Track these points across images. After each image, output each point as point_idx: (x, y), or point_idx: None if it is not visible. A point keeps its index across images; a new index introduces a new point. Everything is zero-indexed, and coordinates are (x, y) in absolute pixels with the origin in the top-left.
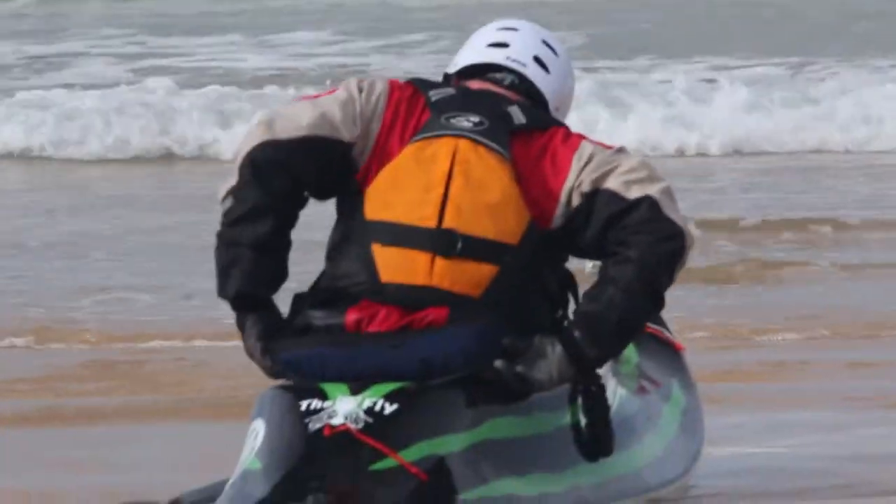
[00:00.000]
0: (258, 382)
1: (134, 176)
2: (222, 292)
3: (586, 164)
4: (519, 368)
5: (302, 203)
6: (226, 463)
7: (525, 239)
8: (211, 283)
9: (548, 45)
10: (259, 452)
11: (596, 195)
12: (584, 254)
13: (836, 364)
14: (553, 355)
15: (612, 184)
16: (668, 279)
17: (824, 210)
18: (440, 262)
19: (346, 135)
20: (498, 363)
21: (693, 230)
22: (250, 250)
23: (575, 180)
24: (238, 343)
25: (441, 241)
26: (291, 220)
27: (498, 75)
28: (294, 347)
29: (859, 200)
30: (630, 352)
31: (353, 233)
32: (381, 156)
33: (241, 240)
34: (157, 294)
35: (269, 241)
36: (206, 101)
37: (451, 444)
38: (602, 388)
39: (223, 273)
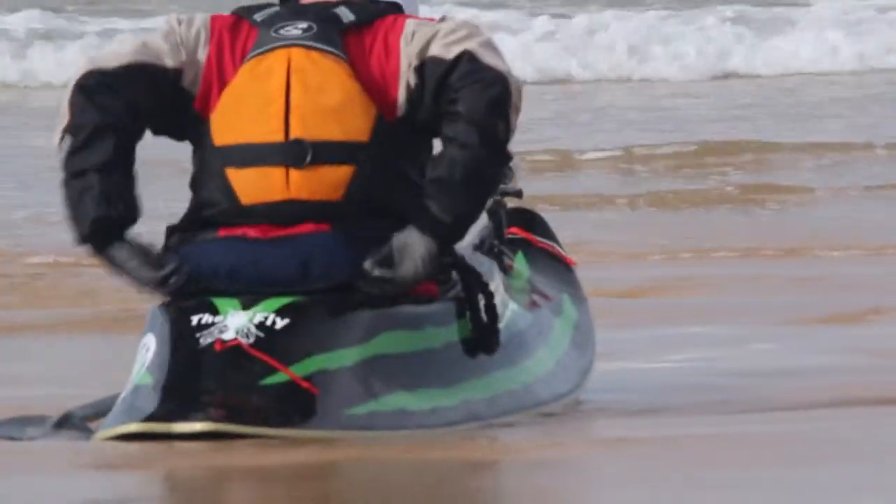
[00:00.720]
0: (150, 298)
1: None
2: (79, 230)
3: (411, 41)
4: (377, 272)
5: (138, 130)
6: (117, 377)
7: (375, 133)
8: None
9: None
10: (150, 367)
11: (423, 67)
12: (434, 132)
13: (734, 278)
14: (413, 243)
15: (434, 50)
16: (504, 125)
17: None
18: (295, 173)
19: (170, 62)
20: (363, 269)
21: (517, 79)
22: (97, 173)
23: (406, 61)
24: None
25: (291, 153)
26: (132, 141)
27: None
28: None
29: None
30: (521, 266)
31: (206, 161)
32: (219, 83)
33: (85, 166)
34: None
35: (114, 161)
36: None
37: (341, 359)
38: (483, 282)
39: (74, 208)
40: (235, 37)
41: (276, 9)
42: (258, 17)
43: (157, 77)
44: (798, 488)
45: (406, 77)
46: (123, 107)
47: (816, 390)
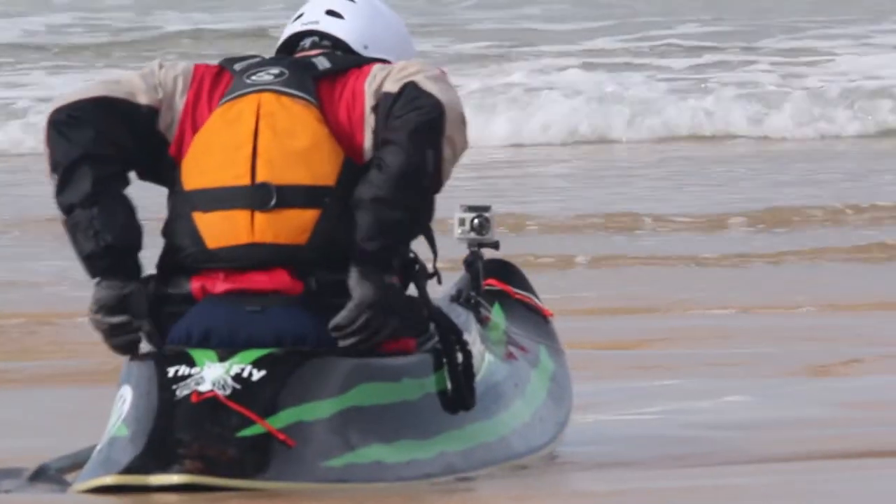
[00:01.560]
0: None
1: None
2: (84, 266)
3: (374, 82)
4: (338, 337)
5: (117, 159)
6: (93, 429)
7: (342, 177)
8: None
9: None
10: (126, 419)
11: (377, 106)
12: None
13: (704, 332)
14: (359, 294)
15: (386, 87)
16: (433, 154)
17: None
18: (259, 216)
19: (143, 99)
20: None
21: (461, 113)
22: (81, 208)
23: (368, 104)
24: None
25: (256, 197)
26: (113, 169)
27: (301, 42)
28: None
29: None
30: (499, 318)
31: (176, 206)
32: (193, 129)
33: (72, 201)
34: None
35: (95, 192)
36: None
37: (318, 411)
38: (459, 334)
39: (74, 246)
40: (215, 86)
41: (257, 59)
42: (238, 66)
43: (128, 112)
44: None
45: (369, 120)
46: (93, 136)
47: (791, 443)
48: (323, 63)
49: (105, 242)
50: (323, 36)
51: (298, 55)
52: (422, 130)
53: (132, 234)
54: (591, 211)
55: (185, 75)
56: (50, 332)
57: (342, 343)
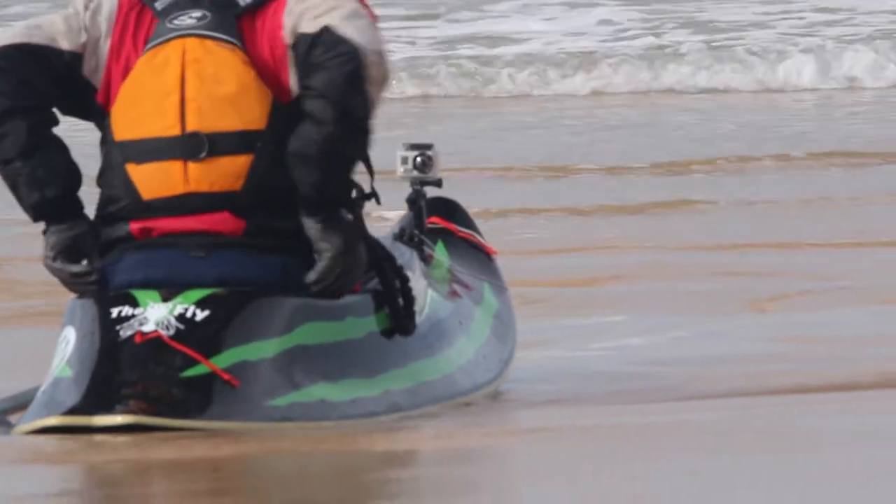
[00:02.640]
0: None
1: None
2: (29, 214)
3: (292, 16)
4: (310, 278)
5: (45, 105)
6: (36, 371)
7: (272, 119)
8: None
9: None
10: (70, 360)
11: (296, 46)
12: None
13: (647, 269)
14: (317, 235)
15: (302, 26)
16: (361, 99)
17: None
18: (193, 166)
19: (65, 44)
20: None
21: (379, 50)
22: (20, 160)
23: (290, 38)
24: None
25: (188, 146)
26: (45, 116)
27: None
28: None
29: None
30: (442, 256)
31: (109, 157)
32: (121, 73)
33: (9, 155)
34: None
35: (32, 143)
36: None
37: (262, 351)
38: (393, 260)
39: (15, 196)
40: (139, 25)
41: None
42: (159, 4)
43: (48, 58)
44: (713, 478)
45: (290, 57)
46: (17, 86)
47: (736, 378)
48: None
49: (51, 193)
50: None
51: None
52: (345, 81)
53: (74, 178)
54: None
55: (110, 16)
56: None
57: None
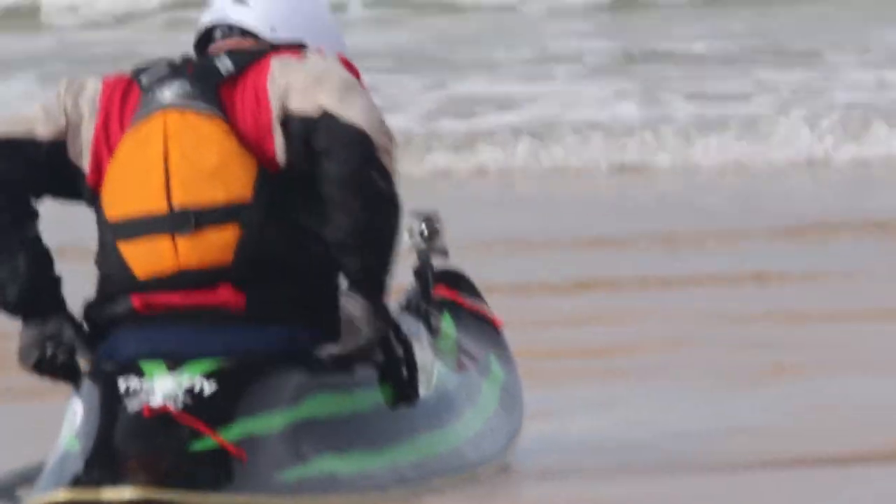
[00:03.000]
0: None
1: None
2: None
3: (276, 85)
4: (335, 352)
5: (23, 202)
6: (44, 444)
7: (258, 189)
8: None
9: None
10: (78, 432)
11: (288, 123)
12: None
13: (665, 341)
14: (357, 307)
15: (293, 103)
16: (381, 178)
17: None
18: (182, 241)
19: (44, 133)
20: (323, 355)
21: (381, 120)
22: None
23: (274, 111)
24: None
25: (175, 222)
26: (14, 212)
27: (214, 35)
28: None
29: None
30: (449, 327)
31: (103, 237)
32: (110, 152)
33: None
34: None
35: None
36: None
37: (270, 423)
38: (408, 344)
39: None
40: (125, 102)
41: (161, 67)
42: (145, 77)
43: (25, 150)
44: None
45: (278, 129)
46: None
47: (745, 450)
48: (226, 65)
49: (12, 298)
50: (231, 27)
51: (211, 49)
52: (361, 168)
53: (42, 278)
54: None
55: (94, 96)
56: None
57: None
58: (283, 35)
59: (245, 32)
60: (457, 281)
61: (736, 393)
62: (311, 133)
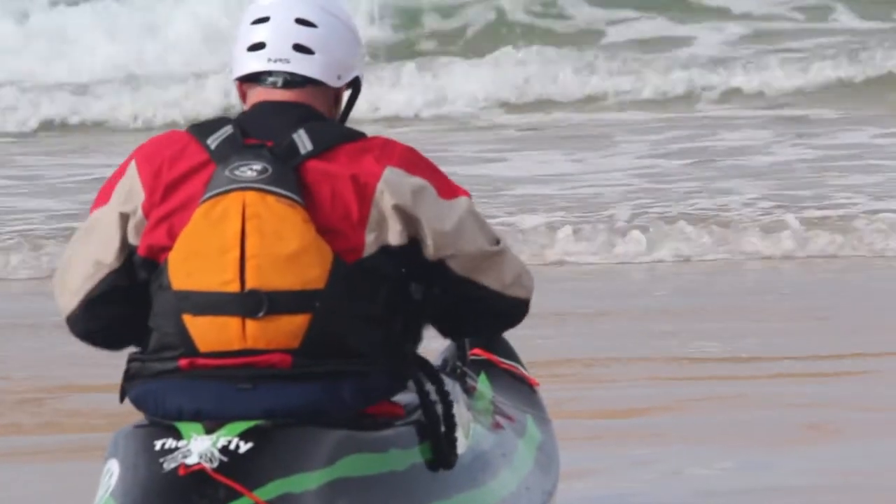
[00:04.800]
0: (114, 423)
1: None
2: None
3: (395, 198)
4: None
5: (131, 297)
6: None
7: (332, 278)
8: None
9: (303, 23)
10: (114, 492)
11: (441, 264)
12: (405, 276)
13: (699, 398)
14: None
15: (454, 265)
16: (526, 306)
17: None
18: (251, 324)
19: (112, 259)
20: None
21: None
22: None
23: (387, 217)
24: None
25: (247, 304)
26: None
27: (269, 79)
28: (139, 385)
29: None
30: (485, 387)
31: (164, 304)
32: (164, 222)
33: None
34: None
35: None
36: None
37: (306, 483)
38: (449, 403)
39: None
40: (193, 169)
41: (230, 131)
42: (212, 142)
43: (112, 281)
44: None
45: (384, 232)
46: (108, 335)
47: None
48: (305, 144)
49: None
50: (293, 75)
51: (265, 95)
52: (519, 318)
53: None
54: None
55: (136, 182)
56: (36, 408)
57: None
58: (346, 79)
59: (308, 80)
60: (493, 342)
61: (774, 451)
62: (481, 300)
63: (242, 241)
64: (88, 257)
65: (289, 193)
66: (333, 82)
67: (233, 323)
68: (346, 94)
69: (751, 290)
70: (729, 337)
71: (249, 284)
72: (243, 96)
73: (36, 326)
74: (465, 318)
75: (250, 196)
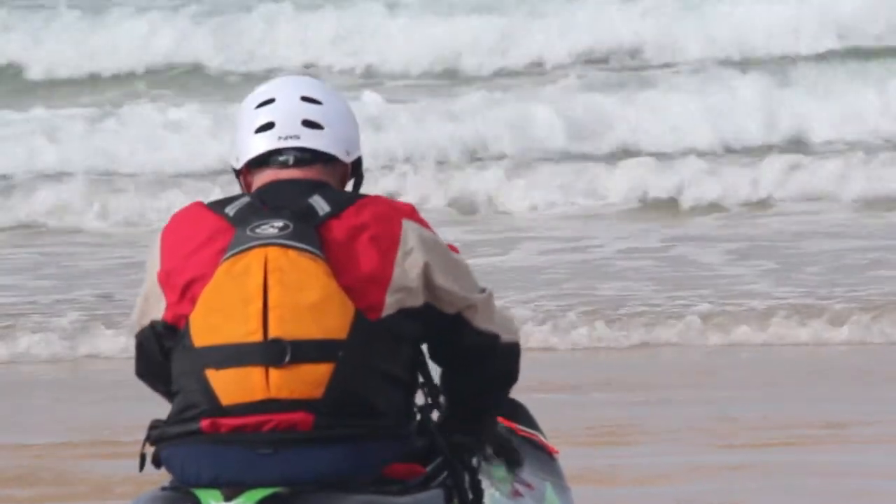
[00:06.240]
0: (131, 491)
1: None
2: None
3: (410, 256)
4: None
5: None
6: None
7: (354, 330)
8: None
9: (309, 100)
10: None
11: (458, 317)
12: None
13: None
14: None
15: (469, 315)
16: (516, 365)
17: None
18: (274, 372)
19: (155, 314)
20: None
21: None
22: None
23: (408, 275)
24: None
25: (270, 353)
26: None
27: (281, 158)
28: (165, 448)
29: None
30: None
31: (186, 364)
32: (187, 289)
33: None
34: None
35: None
36: None
37: None
38: (474, 472)
39: None
40: (207, 230)
41: (247, 200)
42: (230, 210)
43: (154, 346)
44: None
45: (405, 295)
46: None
47: None
48: (322, 207)
49: None
50: (303, 150)
51: (275, 174)
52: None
53: None
54: None
55: (156, 251)
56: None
57: None
58: (354, 155)
59: (317, 155)
60: (513, 410)
61: None
62: (478, 344)
63: (265, 293)
64: (134, 313)
65: (310, 248)
66: (343, 157)
67: (256, 373)
68: (350, 182)
69: None
70: None
71: (272, 333)
72: (248, 186)
73: None
74: (485, 369)
75: (272, 251)
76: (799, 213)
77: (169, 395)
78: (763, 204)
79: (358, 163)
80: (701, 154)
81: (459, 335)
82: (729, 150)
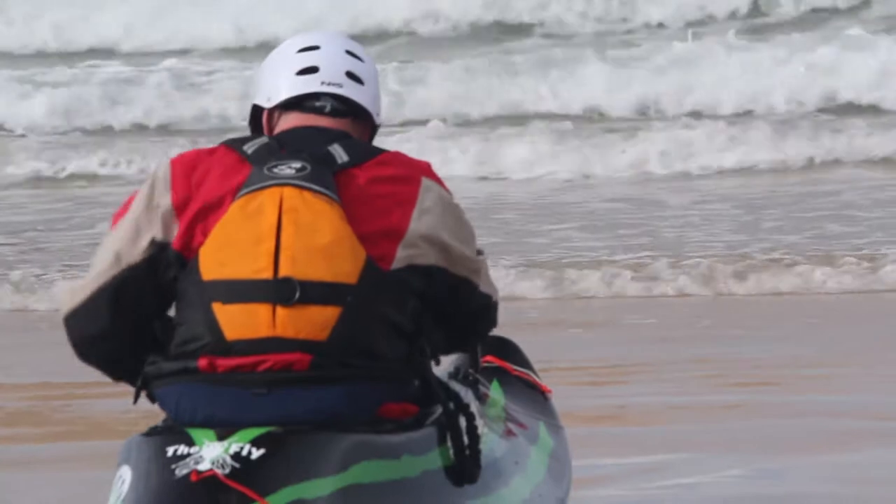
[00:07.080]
0: (126, 430)
1: None
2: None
3: (426, 214)
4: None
5: (149, 316)
6: None
7: (363, 277)
8: None
9: (353, 55)
10: (126, 499)
11: (462, 284)
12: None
13: (724, 407)
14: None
15: (459, 267)
16: (494, 321)
17: None
18: (282, 311)
19: (144, 243)
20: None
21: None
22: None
23: (420, 232)
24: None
25: (279, 291)
26: (140, 342)
27: (317, 104)
28: (161, 386)
29: None
30: (497, 394)
31: (193, 295)
32: (198, 219)
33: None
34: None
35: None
36: None
37: (318, 489)
38: (471, 416)
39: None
40: (223, 164)
41: (266, 141)
42: (249, 149)
43: (137, 278)
44: None
45: (415, 245)
46: (113, 343)
47: None
48: (341, 155)
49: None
50: (343, 101)
51: (308, 120)
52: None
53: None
54: None
55: (165, 178)
56: (58, 414)
57: None
58: (380, 119)
59: (353, 109)
60: (506, 349)
61: (785, 460)
62: (475, 308)
63: (278, 233)
64: (107, 254)
65: (326, 191)
66: (375, 116)
67: (263, 310)
68: None
69: None
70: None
71: (283, 272)
72: (270, 130)
73: None
74: (477, 327)
75: (288, 191)
76: None
77: (133, 373)
78: None
79: (375, 131)
80: None
81: (466, 297)
82: None
